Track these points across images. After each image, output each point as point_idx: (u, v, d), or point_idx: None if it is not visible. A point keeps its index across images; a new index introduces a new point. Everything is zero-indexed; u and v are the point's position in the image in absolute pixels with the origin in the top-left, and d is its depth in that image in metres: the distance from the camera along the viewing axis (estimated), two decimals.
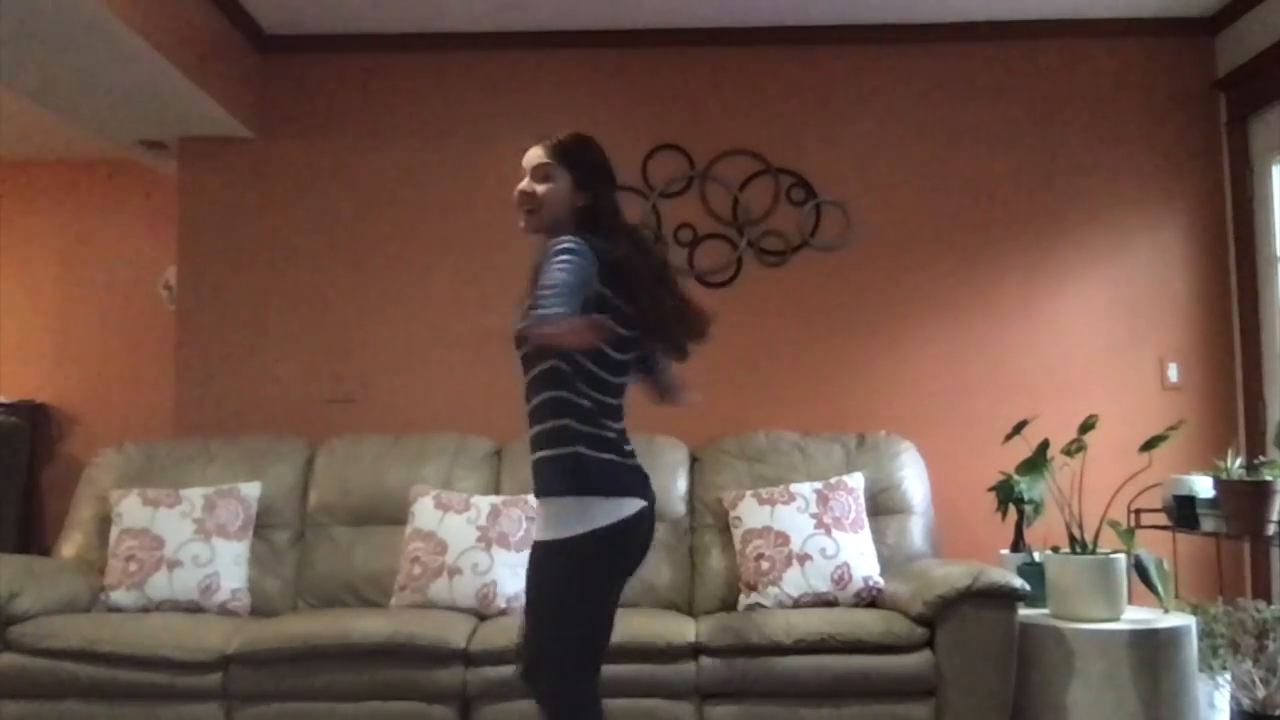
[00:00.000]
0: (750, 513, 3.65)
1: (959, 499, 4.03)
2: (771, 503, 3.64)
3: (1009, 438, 3.46)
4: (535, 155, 2.29)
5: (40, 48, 3.53)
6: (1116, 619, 3.20)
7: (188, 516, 3.64)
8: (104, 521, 3.71)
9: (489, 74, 4.48)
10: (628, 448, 2.24)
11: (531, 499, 3.64)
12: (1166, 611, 3.30)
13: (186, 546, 3.58)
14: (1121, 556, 3.25)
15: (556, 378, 2.16)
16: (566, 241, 2.09)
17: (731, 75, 4.46)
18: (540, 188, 2.26)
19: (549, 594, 2.17)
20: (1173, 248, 4.38)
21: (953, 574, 3.21)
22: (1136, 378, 4.31)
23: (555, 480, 2.17)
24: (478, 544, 3.56)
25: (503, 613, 3.47)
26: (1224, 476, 3.36)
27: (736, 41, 4.43)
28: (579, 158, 2.28)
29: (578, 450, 2.16)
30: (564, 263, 2.03)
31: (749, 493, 3.72)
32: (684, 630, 3.25)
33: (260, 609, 3.66)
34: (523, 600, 3.48)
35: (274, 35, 4.45)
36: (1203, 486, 3.52)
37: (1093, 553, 3.25)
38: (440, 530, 3.61)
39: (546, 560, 2.17)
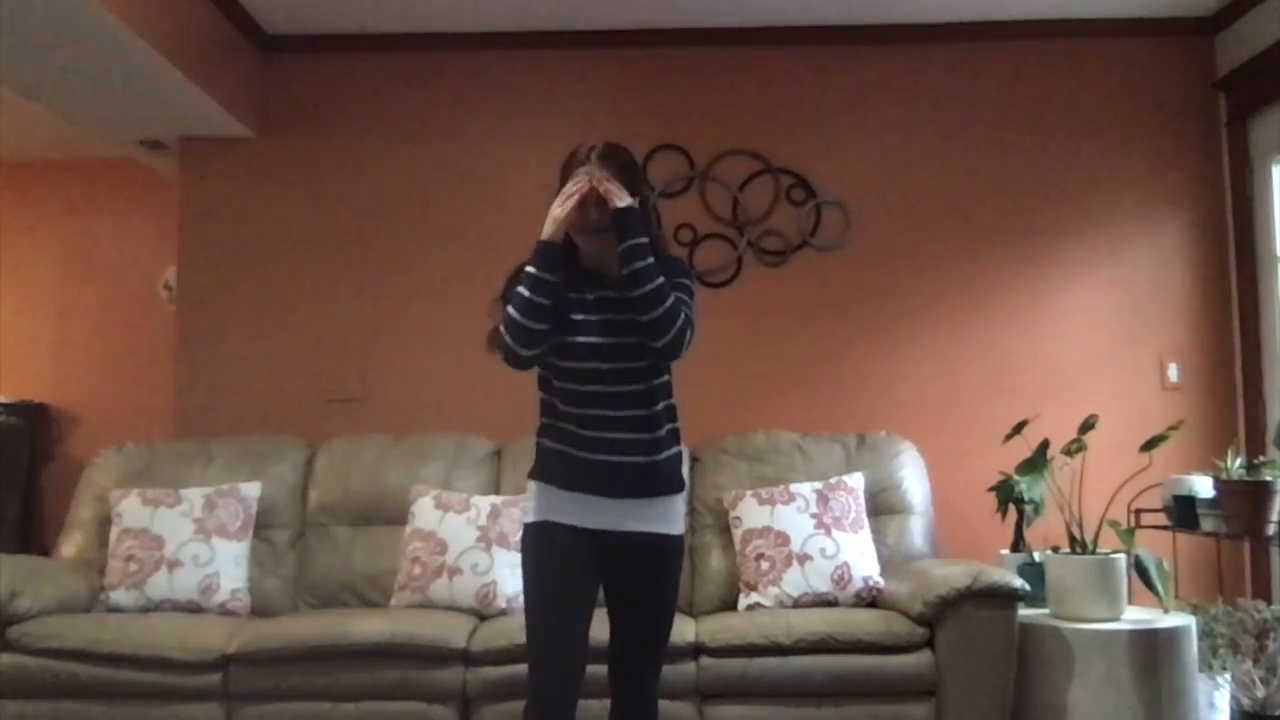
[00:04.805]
0: (750, 513, 3.65)
1: (959, 499, 4.03)
2: (771, 503, 3.64)
3: (1009, 438, 3.46)
4: (598, 174, 2.29)
5: (40, 48, 3.53)
6: (1116, 619, 3.20)
7: (188, 516, 3.64)
8: (104, 521, 3.71)
9: (489, 74, 4.48)
10: None
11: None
12: (1166, 611, 3.30)
13: (186, 546, 3.58)
14: (1121, 556, 3.25)
15: (669, 386, 2.37)
16: (689, 272, 2.40)
17: (731, 75, 4.46)
18: (613, 183, 2.28)
19: (677, 586, 2.42)
20: (1173, 248, 4.38)
21: (953, 574, 3.21)
22: (1136, 378, 4.31)
23: (680, 477, 2.39)
24: (478, 544, 3.56)
25: (503, 613, 3.47)
26: (1224, 476, 3.35)
27: (736, 41, 4.43)
28: (631, 173, 2.34)
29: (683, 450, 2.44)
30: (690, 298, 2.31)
31: (749, 493, 3.72)
32: (684, 630, 3.25)
33: (260, 609, 3.66)
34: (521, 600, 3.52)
35: (274, 35, 4.45)
36: (1203, 486, 3.52)
37: (1093, 553, 3.25)
38: (440, 530, 3.61)
39: (679, 555, 2.41)
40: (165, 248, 5.19)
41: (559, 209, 2.24)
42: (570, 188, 2.26)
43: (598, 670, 2.31)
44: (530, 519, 2.33)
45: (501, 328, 2.24)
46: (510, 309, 2.23)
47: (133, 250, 5.95)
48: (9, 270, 6.01)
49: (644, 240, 2.23)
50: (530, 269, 2.24)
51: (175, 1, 3.75)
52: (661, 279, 2.22)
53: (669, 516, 2.35)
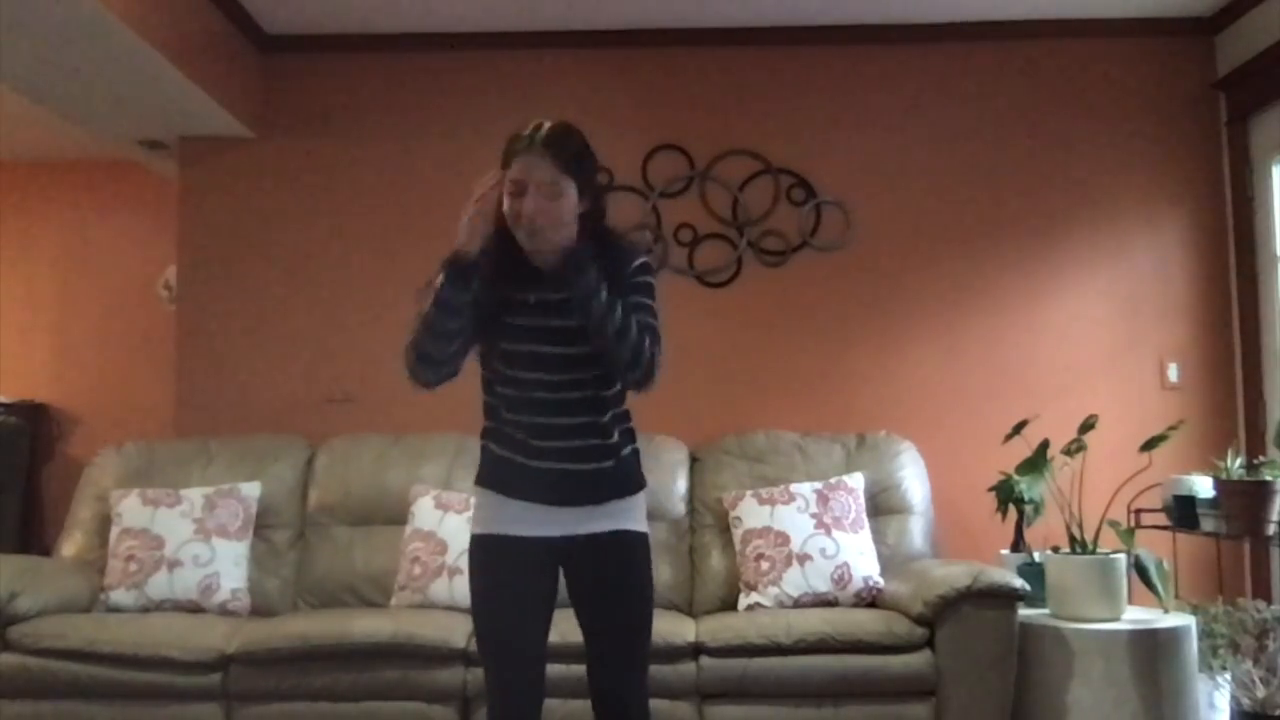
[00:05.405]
0: (750, 513, 3.65)
1: (959, 499, 4.03)
2: (771, 503, 3.65)
3: (1009, 438, 3.46)
4: (542, 169, 2.04)
5: (40, 48, 3.53)
6: (1116, 619, 3.20)
7: (188, 516, 3.64)
8: (104, 521, 3.71)
9: (489, 74, 4.48)
10: None
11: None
12: (1166, 611, 3.30)
13: (186, 546, 3.58)
14: (1121, 556, 3.25)
15: (622, 392, 2.21)
16: (651, 266, 2.18)
17: (731, 75, 4.46)
18: (554, 206, 2.05)
19: (646, 589, 2.20)
20: (1173, 248, 4.38)
21: (953, 574, 3.21)
22: (1136, 378, 4.31)
23: (639, 475, 2.24)
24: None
25: None
26: (1224, 476, 3.35)
27: (736, 41, 4.43)
28: (582, 162, 2.10)
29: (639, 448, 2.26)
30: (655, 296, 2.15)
31: (749, 493, 3.72)
32: (684, 630, 3.25)
33: (260, 609, 3.66)
34: None
35: (274, 35, 4.45)
36: (1203, 486, 3.51)
37: (1093, 553, 3.25)
38: (440, 530, 3.61)
39: (645, 552, 2.20)
40: (165, 248, 5.19)
41: (469, 215, 2.02)
42: (483, 187, 2.04)
43: (577, 670, 2.21)
44: (478, 530, 2.17)
45: (407, 348, 2.07)
46: (414, 337, 2.05)
47: (133, 250, 5.95)
48: (9, 270, 6.01)
49: (591, 286, 2.01)
50: (437, 286, 2.04)
51: (175, 1, 3.75)
52: (619, 315, 2.02)
53: (630, 514, 2.18)
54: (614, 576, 2.17)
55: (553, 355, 2.12)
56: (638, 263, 2.16)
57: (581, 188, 2.09)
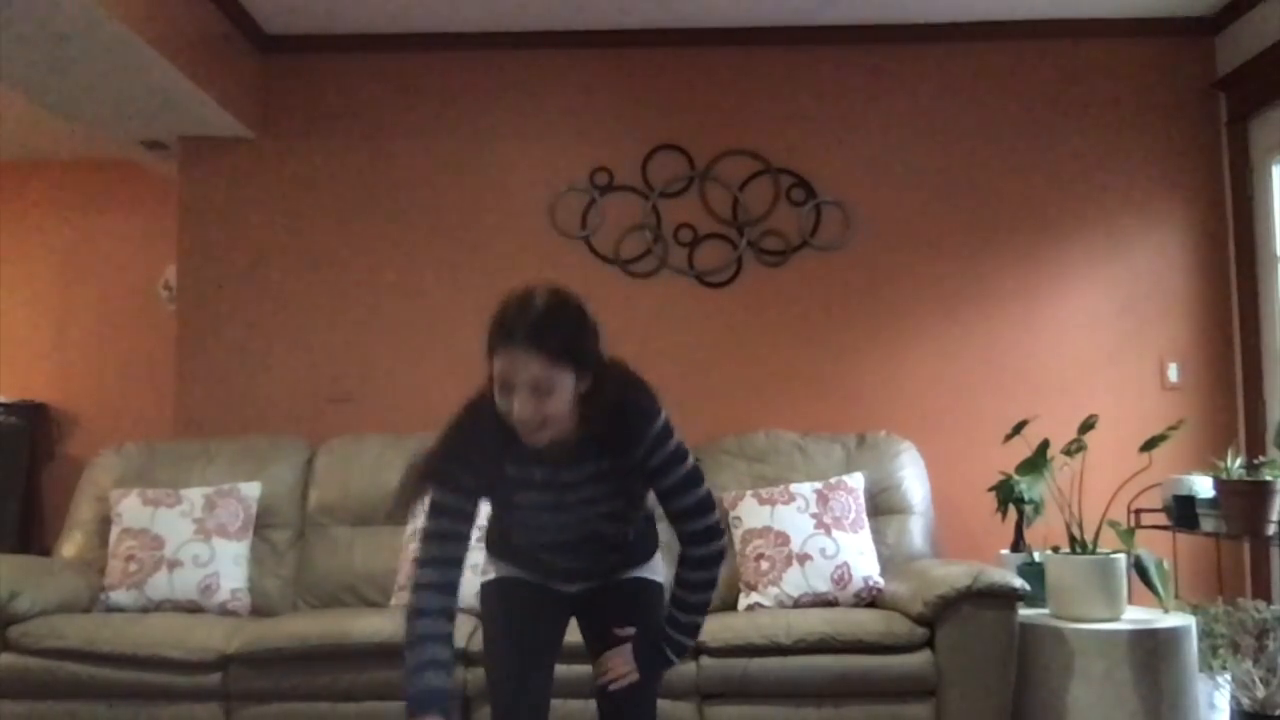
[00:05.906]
0: (750, 513, 3.65)
1: (959, 499, 4.03)
2: (771, 503, 3.65)
3: (1009, 438, 3.46)
4: (530, 367, 1.81)
5: (40, 48, 3.53)
6: (1116, 619, 3.20)
7: (188, 516, 3.64)
8: (104, 521, 3.71)
9: (489, 74, 4.48)
10: None
11: None
12: (1166, 611, 3.30)
13: (186, 546, 3.58)
14: (1121, 556, 3.25)
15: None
16: (667, 426, 1.99)
17: (731, 75, 4.46)
18: (547, 404, 1.85)
19: (658, 627, 2.19)
20: (1173, 248, 4.38)
21: (953, 574, 3.21)
22: (1136, 378, 4.31)
23: (651, 543, 2.29)
24: (477, 544, 3.53)
25: None
26: (1224, 476, 3.35)
27: (736, 41, 4.43)
28: (577, 344, 1.87)
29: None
30: (684, 451, 2.04)
31: (749, 493, 3.72)
32: None
33: (260, 609, 3.67)
34: None
35: (275, 35, 4.45)
36: (1203, 486, 3.51)
37: (1093, 553, 3.25)
38: None
39: (659, 597, 2.22)
40: (165, 248, 5.19)
41: None
42: None
43: (577, 670, 2.24)
44: (488, 577, 2.24)
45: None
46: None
47: (133, 250, 5.94)
48: (9, 270, 6.01)
49: (689, 646, 2.14)
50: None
51: (175, 2, 3.75)
52: (705, 601, 2.13)
53: (644, 568, 2.24)
54: (625, 612, 2.17)
55: (562, 523, 2.08)
56: (653, 436, 1.96)
57: (580, 371, 1.87)
